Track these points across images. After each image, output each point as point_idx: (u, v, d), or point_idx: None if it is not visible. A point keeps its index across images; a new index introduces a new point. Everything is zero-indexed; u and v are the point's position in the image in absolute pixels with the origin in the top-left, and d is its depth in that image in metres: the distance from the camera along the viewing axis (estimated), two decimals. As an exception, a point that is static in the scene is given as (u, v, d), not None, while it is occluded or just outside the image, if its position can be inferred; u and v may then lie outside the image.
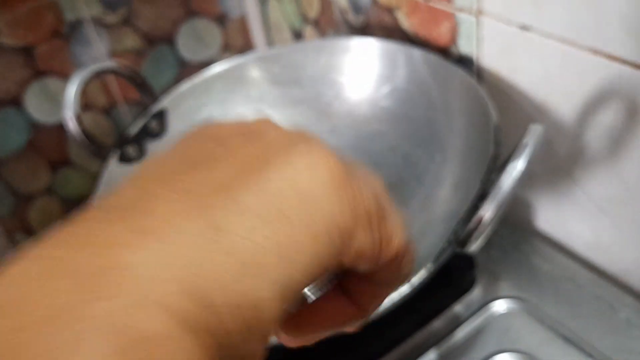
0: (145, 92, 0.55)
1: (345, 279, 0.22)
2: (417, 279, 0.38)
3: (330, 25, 0.69)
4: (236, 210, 0.15)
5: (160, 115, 0.54)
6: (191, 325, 0.14)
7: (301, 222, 0.16)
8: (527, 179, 0.53)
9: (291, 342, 0.22)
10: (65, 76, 0.73)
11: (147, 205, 0.15)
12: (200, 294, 0.14)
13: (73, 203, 0.81)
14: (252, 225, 0.15)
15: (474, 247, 0.37)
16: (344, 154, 0.19)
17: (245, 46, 0.86)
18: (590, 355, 0.44)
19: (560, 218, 0.52)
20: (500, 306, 0.49)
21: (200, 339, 0.14)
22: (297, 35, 0.77)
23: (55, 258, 0.14)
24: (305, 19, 0.73)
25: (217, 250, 0.15)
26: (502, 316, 0.48)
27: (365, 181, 0.18)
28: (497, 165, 0.40)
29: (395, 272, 0.20)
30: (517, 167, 0.35)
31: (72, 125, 0.50)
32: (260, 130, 0.18)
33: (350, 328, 0.23)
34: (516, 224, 0.55)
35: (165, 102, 0.54)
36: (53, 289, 0.13)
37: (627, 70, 0.39)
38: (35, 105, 0.72)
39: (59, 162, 0.77)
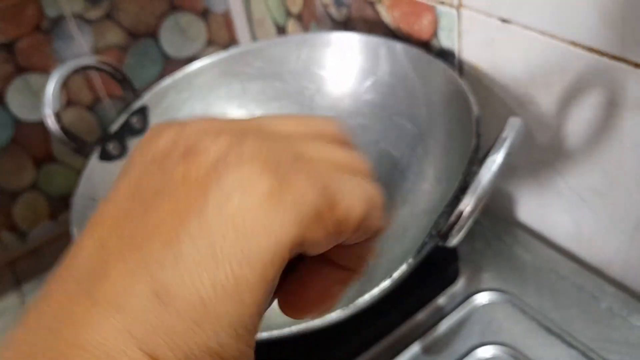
0: (127, 88, 0.54)
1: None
2: (398, 273, 0.38)
3: (313, 19, 0.68)
4: (175, 264, 0.16)
5: (142, 112, 0.54)
6: None
7: (242, 257, 0.16)
8: (507, 171, 0.53)
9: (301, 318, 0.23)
10: (47, 72, 0.72)
11: (102, 268, 0.16)
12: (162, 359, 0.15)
13: (58, 199, 0.81)
14: (193, 278, 0.16)
15: (455, 240, 0.38)
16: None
17: (230, 41, 0.85)
18: (572, 346, 0.44)
19: (542, 209, 0.52)
20: (483, 298, 0.49)
21: None
22: (281, 30, 0.77)
23: (25, 344, 0.15)
24: (288, 13, 0.73)
25: (167, 313, 0.15)
26: (485, 308, 0.48)
27: (308, 175, 0.18)
28: (479, 158, 0.40)
29: (367, 231, 0.20)
30: (496, 160, 0.35)
31: (51, 122, 0.49)
32: (197, 145, 0.18)
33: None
34: (499, 216, 0.56)
35: (146, 98, 0.54)
36: None
37: (605, 61, 0.39)
38: (17, 102, 0.71)
39: (43, 159, 0.76)
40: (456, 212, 0.36)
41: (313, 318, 0.23)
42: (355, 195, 0.19)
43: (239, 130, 0.19)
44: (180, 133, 0.19)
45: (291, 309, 0.21)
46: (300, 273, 0.21)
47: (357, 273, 0.22)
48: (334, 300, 0.22)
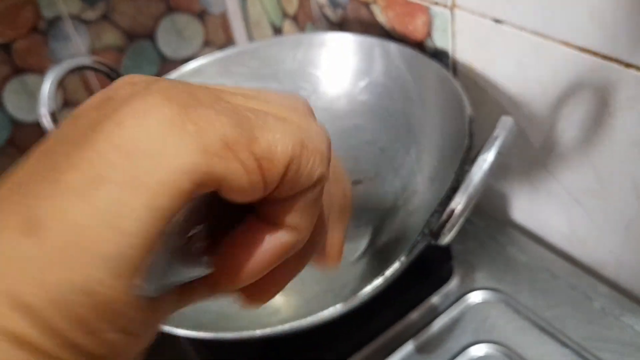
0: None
1: (259, 208, 0.19)
2: (390, 271, 0.38)
3: (309, 20, 0.69)
4: (52, 193, 0.14)
5: (137, 111, 0.54)
6: (22, 341, 0.14)
7: (125, 181, 0.14)
8: (501, 171, 0.53)
9: (254, 300, 0.20)
10: (43, 73, 0.72)
11: None
12: (27, 305, 0.14)
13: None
14: (69, 204, 0.14)
15: (446, 239, 0.38)
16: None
17: (226, 42, 0.85)
18: (565, 345, 0.44)
19: (535, 209, 0.53)
20: (476, 297, 0.49)
21: (33, 352, 0.14)
22: (277, 31, 0.77)
23: None
24: (284, 14, 0.73)
25: (37, 247, 0.14)
26: (479, 307, 0.49)
27: (221, 109, 0.16)
28: (471, 158, 0.41)
29: (303, 179, 0.18)
30: (488, 159, 0.35)
31: (46, 122, 0.49)
32: (113, 94, 0.17)
33: (306, 261, 0.20)
34: (492, 216, 0.56)
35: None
36: None
37: (597, 61, 0.39)
38: (14, 103, 0.71)
39: (39, 160, 0.77)
40: (447, 210, 0.36)
41: (268, 295, 0.20)
42: (284, 132, 0.17)
43: (171, 83, 0.17)
44: (113, 88, 0.17)
45: (227, 277, 0.19)
46: (235, 234, 0.19)
47: (300, 235, 0.19)
48: (281, 275, 0.20)
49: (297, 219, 0.18)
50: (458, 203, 0.35)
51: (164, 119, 0.15)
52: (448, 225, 0.36)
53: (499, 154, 0.35)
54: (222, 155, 0.15)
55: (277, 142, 0.17)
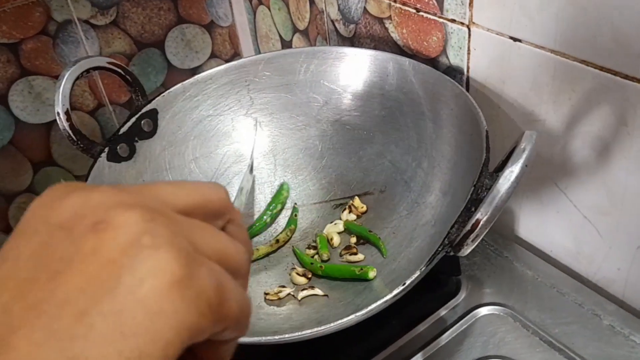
0: (136, 90, 0.55)
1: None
2: (410, 280, 0.38)
3: (320, 35, 0.69)
4: (85, 337, 0.16)
5: (151, 115, 0.54)
6: None
7: (148, 335, 0.17)
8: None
9: None
10: (50, 76, 0.72)
11: (8, 337, 0.16)
12: None
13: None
14: (102, 351, 0.16)
15: (468, 250, 0.38)
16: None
17: (233, 55, 0.86)
18: (574, 361, 0.45)
19: (543, 226, 0.53)
20: (484, 312, 0.49)
21: None
22: (286, 45, 0.78)
23: None
24: (294, 28, 0.74)
25: None
26: (487, 322, 0.49)
27: (208, 271, 0.19)
28: (489, 171, 0.41)
29: (233, 333, 0.21)
30: (515, 171, 0.35)
31: (61, 120, 0.49)
32: (107, 219, 0.19)
33: None
34: (500, 232, 0.56)
35: (156, 102, 0.54)
36: None
37: (618, 80, 0.40)
38: (19, 104, 0.71)
39: (41, 162, 0.76)
40: (472, 221, 0.36)
41: None
42: (238, 298, 0.21)
43: (143, 204, 0.19)
44: (87, 202, 0.19)
45: None
46: None
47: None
48: None
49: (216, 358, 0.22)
50: (484, 214, 0.36)
51: (174, 280, 0.18)
52: (472, 236, 0.37)
53: (525, 167, 0.35)
54: (205, 313, 0.19)
55: (235, 306, 0.20)
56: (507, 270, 0.52)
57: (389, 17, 0.58)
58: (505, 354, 0.46)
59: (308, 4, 0.69)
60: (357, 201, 0.56)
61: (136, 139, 0.53)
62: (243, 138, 0.60)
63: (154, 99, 0.54)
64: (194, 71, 0.57)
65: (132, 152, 0.52)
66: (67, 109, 0.50)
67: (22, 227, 0.19)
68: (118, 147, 0.52)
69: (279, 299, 0.50)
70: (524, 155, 0.35)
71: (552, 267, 0.52)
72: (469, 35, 0.50)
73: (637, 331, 0.46)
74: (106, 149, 0.51)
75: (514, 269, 0.52)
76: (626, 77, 0.39)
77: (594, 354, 0.45)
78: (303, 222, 0.57)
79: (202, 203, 0.22)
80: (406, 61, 0.54)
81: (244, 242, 0.23)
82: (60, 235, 0.18)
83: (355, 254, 0.52)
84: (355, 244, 0.54)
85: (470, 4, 0.48)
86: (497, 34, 0.47)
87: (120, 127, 0.52)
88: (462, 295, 0.51)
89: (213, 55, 0.84)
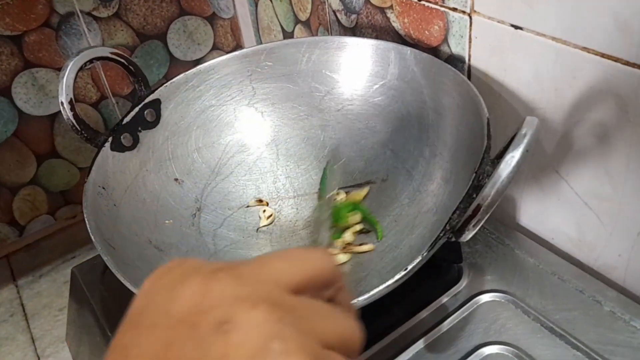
0: (139, 80, 0.55)
1: None
2: (412, 265, 0.38)
3: (321, 25, 0.69)
4: None
5: (154, 105, 0.54)
6: None
7: None
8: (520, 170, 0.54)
9: None
10: (53, 68, 0.72)
11: None
12: None
13: (57, 194, 0.81)
14: None
15: (470, 235, 0.38)
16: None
17: (235, 46, 0.86)
18: (576, 348, 0.45)
19: (544, 213, 0.53)
20: (486, 299, 0.50)
21: None
22: (288, 36, 0.78)
23: None
24: (296, 19, 0.74)
25: None
26: (489, 308, 0.49)
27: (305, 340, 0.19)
28: (491, 158, 0.41)
29: None
30: (516, 156, 0.36)
31: (65, 110, 0.49)
32: (232, 318, 0.18)
33: None
34: (501, 220, 0.57)
35: (159, 93, 0.55)
36: None
37: (619, 67, 0.40)
38: (22, 96, 0.71)
39: (45, 154, 0.76)
40: (473, 206, 0.37)
41: None
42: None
43: (265, 298, 0.19)
44: (207, 293, 0.19)
45: None
46: None
47: None
48: None
49: None
50: (485, 199, 0.36)
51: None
52: (473, 221, 0.37)
53: (526, 152, 0.36)
54: None
55: None
56: (508, 257, 0.53)
57: (391, 7, 0.58)
58: (507, 340, 0.46)
59: (310, -5, 0.69)
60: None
61: (139, 128, 0.53)
62: (245, 128, 0.60)
63: (156, 89, 0.55)
64: (196, 63, 0.57)
65: (135, 142, 0.53)
66: (71, 98, 0.50)
67: (138, 315, 0.19)
68: (122, 137, 0.52)
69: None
70: (525, 141, 0.36)
71: (553, 254, 0.52)
72: (470, 23, 0.50)
73: (637, 317, 0.46)
74: (110, 139, 0.51)
75: (516, 257, 0.53)
76: (627, 63, 0.39)
77: (595, 339, 0.45)
78: (305, 212, 0.58)
79: (314, 277, 0.21)
80: (408, 50, 0.54)
81: (351, 309, 0.23)
82: (183, 333, 0.18)
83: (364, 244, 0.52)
84: (357, 232, 0.54)
85: (471, -8, 0.48)
86: (498, 22, 0.48)
87: (123, 117, 0.53)
88: (463, 283, 0.51)
89: (215, 47, 0.84)
